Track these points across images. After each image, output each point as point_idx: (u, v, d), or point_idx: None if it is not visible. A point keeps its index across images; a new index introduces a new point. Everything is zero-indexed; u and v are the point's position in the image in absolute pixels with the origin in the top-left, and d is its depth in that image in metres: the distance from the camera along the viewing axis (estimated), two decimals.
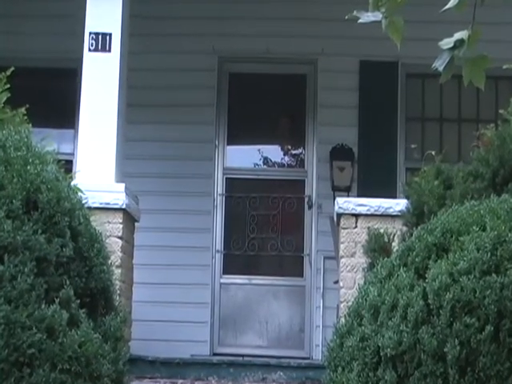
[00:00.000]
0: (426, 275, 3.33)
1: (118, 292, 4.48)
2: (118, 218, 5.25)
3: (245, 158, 7.84)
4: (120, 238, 5.25)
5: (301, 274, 7.52)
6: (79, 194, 3.74)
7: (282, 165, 7.86)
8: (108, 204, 5.22)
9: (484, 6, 2.77)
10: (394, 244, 4.60)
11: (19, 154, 3.39)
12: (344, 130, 7.49)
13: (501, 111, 4.86)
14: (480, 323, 3.15)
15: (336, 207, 5.38)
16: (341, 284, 5.28)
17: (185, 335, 7.18)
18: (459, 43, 2.69)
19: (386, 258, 3.68)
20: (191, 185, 7.44)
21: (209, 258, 7.46)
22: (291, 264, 7.62)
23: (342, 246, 5.30)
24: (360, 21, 2.73)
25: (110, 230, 5.17)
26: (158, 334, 7.08)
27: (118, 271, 4.98)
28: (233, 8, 7.60)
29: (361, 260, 5.11)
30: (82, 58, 5.58)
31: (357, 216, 5.29)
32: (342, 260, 5.29)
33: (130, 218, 5.48)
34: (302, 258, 7.55)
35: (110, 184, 5.36)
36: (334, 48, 7.52)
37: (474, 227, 3.38)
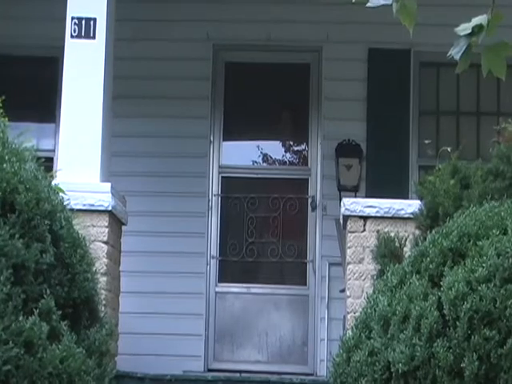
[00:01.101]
0: (441, 283, 3.33)
1: (104, 302, 4.48)
2: (104, 220, 5.24)
3: (242, 154, 7.83)
4: (105, 242, 5.24)
5: (304, 282, 7.52)
6: (61, 194, 3.74)
7: (283, 162, 7.86)
8: (92, 206, 5.22)
9: None
10: (405, 249, 4.60)
11: None
12: (351, 124, 7.49)
13: None
14: (501, 336, 3.15)
15: (342, 209, 5.37)
16: (348, 293, 5.27)
17: (177, 349, 7.17)
18: (478, 29, 2.68)
19: (397, 265, 3.67)
20: (183, 184, 7.44)
21: (203, 264, 7.46)
22: (293, 271, 7.61)
23: (348, 252, 5.30)
24: (368, 5, 2.72)
25: (95, 234, 5.16)
26: (147, 348, 7.07)
27: (103, 279, 4.97)
28: None
29: (369, 267, 5.11)
30: (64, 45, 5.57)
31: (365, 218, 5.29)
32: (349, 267, 5.28)
33: (116, 221, 5.47)
34: (306, 264, 7.54)
35: (94, 184, 5.36)
36: (340, 34, 7.51)
37: (494, 230, 3.38)
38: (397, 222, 5.22)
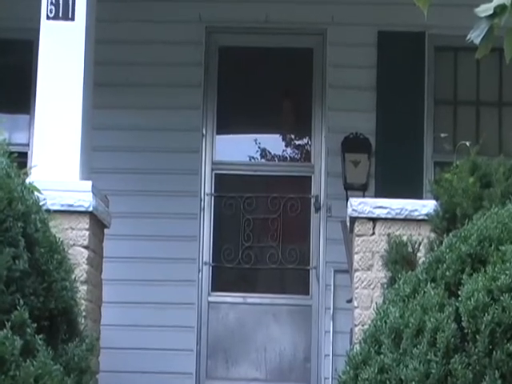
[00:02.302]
0: (459, 292, 3.33)
1: (84, 313, 4.47)
2: (84, 222, 5.24)
3: (238, 149, 7.83)
4: (86, 247, 5.24)
5: (306, 292, 7.52)
6: (36, 193, 3.74)
7: (283, 158, 7.86)
8: (71, 206, 5.22)
9: None
10: (419, 254, 4.61)
11: None
12: (359, 115, 7.49)
13: None
14: None
15: (349, 210, 5.38)
16: (355, 303, 5.28)
17: (165, 366, 7.18)
18: (500, 9, 2.69)
19: (409, 272, 3.68)
20: (172, 182, 7.44)
21: (194, 271, 7.46)
22: (295, 279, 7.61)
23: (356, 257, 5.31)
24: None
25: (74, 237, 5.16)
26: (132, 364, 7.07)
27: (83, 288, 4.97)
28: None
29: (379, 274, 5.11)
30: (39, 27, 5.56)
31: (374, 220, 5.29)
32: (357, 274, 5.29)
33: (98, 224, 5.47)
34: (308, 271, 7.54)
35: (73, 182, 5.36)
36: (347, 16, 7.51)
37: None
38: (410, 224, 5.23)
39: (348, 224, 5.55)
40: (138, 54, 7.57)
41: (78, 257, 5.10)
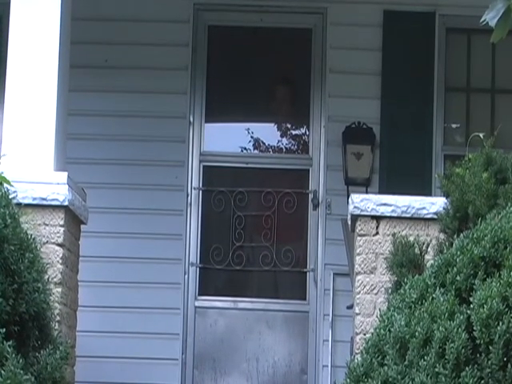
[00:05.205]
0: (471, 299, 3.34)
1: (58, 318, 4.48)
2: (58, 218, 5.24)
3: (229, 139, 7.83)
4: (60, 245, 5.24)
5: (303, 297, 7.53)
6: (5, 185, 3.73)
7: (278, 149, 7.86)
8: (45, 200, 5.21)
9: None
10: (427, 257, 4.62)
11: None
12: (362, 103, 7.49)
13: None
14: None
15: (350, 207, 5.39)
16: (356, 310, 5.30)
17: (148, 376, 7.18)
18: None
19: (416, 276, 3.68)
20: (156, 175, 7.43)
21: (180, 273, 7.46)
22: (290, 282, 7.62)
23: (358, 259, 5.32)
24: None
25: (47, 234, 5.16)
26: (110, 374, 7.07)
27: (57, 290, 4.97)
28: None
29: (383, 278, 5.12)
30: (10, 0, 5.55)
31: (378, 219, 5.30)
32: (359, 277, 5.30)
33: (74, 219, 5.48)
34: (305, 274, 7.55)
35: (47, 173, 5.35)
36: None
37: None
38: (417, 223, 5.24)
39: (349, 222, 5.56)
40: (118, 33, 7.56)
41: (52, 256, 5.10)
